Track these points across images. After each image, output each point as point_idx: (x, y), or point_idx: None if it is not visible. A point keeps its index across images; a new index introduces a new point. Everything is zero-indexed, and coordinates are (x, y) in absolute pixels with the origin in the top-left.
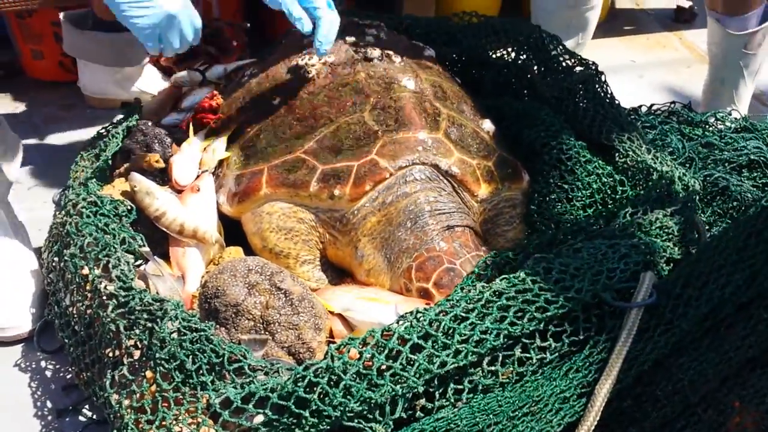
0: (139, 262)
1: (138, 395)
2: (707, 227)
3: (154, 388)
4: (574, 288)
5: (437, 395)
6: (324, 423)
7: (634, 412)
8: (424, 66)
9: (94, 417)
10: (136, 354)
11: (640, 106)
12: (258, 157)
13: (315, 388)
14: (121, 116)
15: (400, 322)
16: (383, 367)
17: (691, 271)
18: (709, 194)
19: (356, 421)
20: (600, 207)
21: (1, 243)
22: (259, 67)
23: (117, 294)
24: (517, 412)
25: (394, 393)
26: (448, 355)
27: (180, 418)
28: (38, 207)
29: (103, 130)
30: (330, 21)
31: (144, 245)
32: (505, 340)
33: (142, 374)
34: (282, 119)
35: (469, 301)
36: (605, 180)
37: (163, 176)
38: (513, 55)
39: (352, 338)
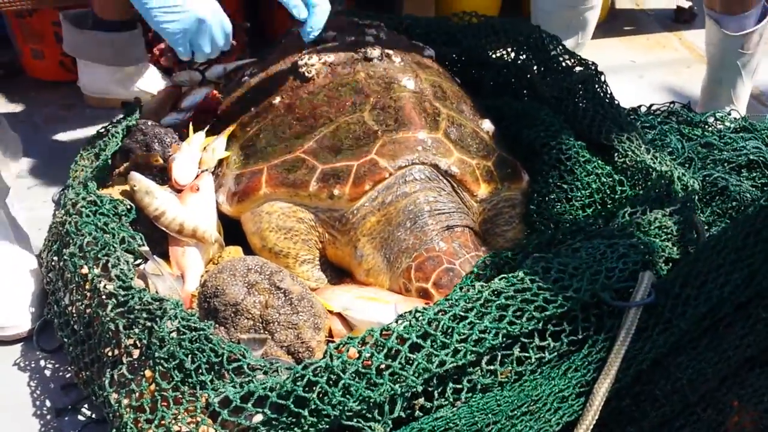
0: (138, 261)
1: (137, 394)
2: (706, 227)
3: (153, 387)
4: (572, 287)
5: (436, 394)
6: (323, 422)
7: (632, 412)
8: (423, 66)
9: (94, 416)
10: (136, 353)
11: (640, 106)
12: (258, 156)
13: (314, 388)
14: (120, 116)
15: (399, 322)
16: (382, 366)
17: (690, 270)
18: (708, 194)
19: (355, 420)
20: (599, 207)
21: (0, 243)
22: (258, 67)
23: (116, 293)
24: (515, 412)
25: (393, 392)
26: (447, 355)
27: (179, 417)
28: (38, 206)
29: (103, 130)
30: (323, 10)
31: (143, 244)
32: (504, 339)
33: (141, 373)
34: (282, 119)
35: (468, 301)
36: (604, 180)
37: (162, 176)
38: (513, 55)
39: (351, 337)
